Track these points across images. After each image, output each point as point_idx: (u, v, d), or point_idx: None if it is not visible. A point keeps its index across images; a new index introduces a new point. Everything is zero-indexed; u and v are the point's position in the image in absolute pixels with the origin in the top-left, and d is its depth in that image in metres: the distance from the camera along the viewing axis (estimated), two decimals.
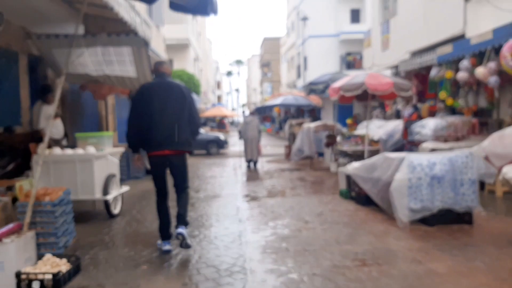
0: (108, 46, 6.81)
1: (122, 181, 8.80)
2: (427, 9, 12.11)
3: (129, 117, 4.57)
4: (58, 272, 3.53)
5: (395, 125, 11.31)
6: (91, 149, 5.98)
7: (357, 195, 7.10)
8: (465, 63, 8.96)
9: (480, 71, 8.30)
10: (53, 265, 3.67)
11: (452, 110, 10.92)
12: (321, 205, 7.11)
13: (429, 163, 5.68)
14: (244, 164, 13.34)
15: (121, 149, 7.09)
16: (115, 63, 7.16)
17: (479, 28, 9.18)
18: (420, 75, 12.13)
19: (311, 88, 19.86)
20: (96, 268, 4.06)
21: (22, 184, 4.89)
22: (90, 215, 6.33)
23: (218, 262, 4.27)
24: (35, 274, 3.50)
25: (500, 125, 9.12)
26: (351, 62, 29.24)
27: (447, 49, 9.75)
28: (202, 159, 16.04)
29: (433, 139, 9.20)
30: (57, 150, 5.97)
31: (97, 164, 5.88)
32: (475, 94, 9.84)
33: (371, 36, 17.71)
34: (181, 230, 4.50)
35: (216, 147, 18.61)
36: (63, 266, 3.68)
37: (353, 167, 7.06)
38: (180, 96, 4.61)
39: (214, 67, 71.34)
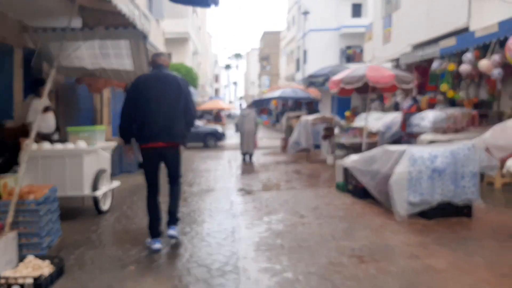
0: (105, 40, 6.68)
1: (114, 175, 8.65)
2: (431, 3, 12.12)
3: (123, 108, 4.51)
4: (40, 276, 3.33)
5: (393, 117, 11.18)
6: (81, 144, 5.80)
7: (354, 188, 6.95)
8: (468, 56, 8.90)
9: (484, 63, 8.25)
10: (35, 267, 3.48)
11: (452, 102, 10.83)
12: (317, 198, 6.96)
13: (430, 156, 5.54)
14: (239, 157, 13.17)
15: (113, 143, 6.93)
16: (112, 56, 7.01)
17: (484, 21, 9.10)
18: (421, 68, 12.06)
19: (310, 81, 19.64)
20: (80, 269, 3.87)
21: (6, 181, 4.67)
22: (78, 211, 6.14)
23: (210, 261, 4.09)
24: (15, 278, 3.29)
25: (500, 117, 9.11)
26: (351, 55, 29.31)
27: (451, 42, 9.67)
28: (198, 152, 15.85)
29: (432, 131, 9.08)
30: (46, 145, 5.79)
31: (87, 159, 5.70)
32: (476, 86, 9.76)
33: (372, 29, 17.78)
34: (173, 232, 4.54)
35: (214, 140, 18.55)
36: (46, 268, 3.49)
37: (351, 159, 6.91)
38: (176, 88, 4.54)
39: (213, 60, 71.04)
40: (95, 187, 5.75)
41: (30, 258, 3.65)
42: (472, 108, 9.85)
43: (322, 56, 29.01)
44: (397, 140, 10.51)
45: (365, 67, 9.82)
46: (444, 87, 10.08)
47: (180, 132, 4.55)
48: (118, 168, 9.89)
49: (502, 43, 7.77)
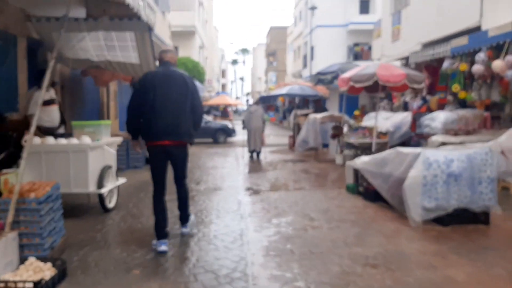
0: (110, 31, 6.55)
1: (121, 171, 8.50)
2: (442, 0, 11.79)
3: (130, 105, 4.45)
4: (41, 280, 3.17)
5: (403, 117, 10.95)
6: (86, 139, 5.63)
7: (365, 190, 6.75)
8: (481, 56, 8.62)
9: (497, 64, 7.97)
10: (36, 270, 3.32)
11: (462, 103, 10.58)
12: (327, 200, 6.77)
13: (446, 160, 5.32)
14: (247, 154, 12.99)
15: (119, 139, 6.78)
16: (117, 48, 6.88)
17: (497, 20, 8.83)
18: (431, 67, 11.78)
19: (319, 78, 19.34)
20: (84, 272, 3.71)
21: (7, 178, 4.51)
22: (84, 209, 5.99)
23: (217, 266, 3.92)
24: (15, 282, 3.14)
25: None
26: (359, 52, 28.91)
27: (462, 41, 9.40)
28: (205, 148, 15.68)
29: (443, 133, 8.85)
30: (50, 140, 5.63)
31: (92, 155, 5.54)
32: (488, 87, 9.50)
33: (381, 26, 17.45)
34: (185, 230, 4.88)
35: (224, 136, 18.35)
36: (47, 271, 3.33)
37: (362, 161, 6.71)
38: (183, 86, 4.47)
39: (219, 55, 70.79)
40: (100, 184, 5.60)
41: (31, 260, 3.50)
42: (484, 110, 9.60)
43: (330, 53, 28.59)
44: (406, 141, 10.29)
45: (376, 65, 9.60)
46: (456, 87, 9.83)
47: (187, 131, 4.48)
48: (126, 163, 9.76)
49: None
